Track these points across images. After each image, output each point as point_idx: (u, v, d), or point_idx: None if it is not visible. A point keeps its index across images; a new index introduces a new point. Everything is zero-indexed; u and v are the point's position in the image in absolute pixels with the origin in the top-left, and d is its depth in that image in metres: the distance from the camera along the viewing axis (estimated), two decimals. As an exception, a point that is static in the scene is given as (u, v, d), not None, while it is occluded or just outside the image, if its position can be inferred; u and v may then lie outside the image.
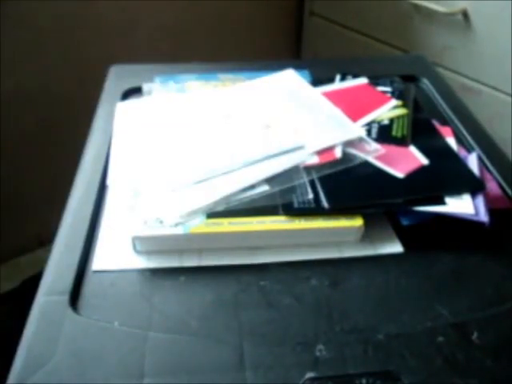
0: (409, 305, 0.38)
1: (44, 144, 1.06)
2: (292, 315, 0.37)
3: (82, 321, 0.36)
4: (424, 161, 0.48)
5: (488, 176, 0.49)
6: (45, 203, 1.01)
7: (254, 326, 0.36)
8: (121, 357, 0.34)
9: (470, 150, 0.53)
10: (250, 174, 0.45)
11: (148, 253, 0.42)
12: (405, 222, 0.44)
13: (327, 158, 0.47)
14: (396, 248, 0.43)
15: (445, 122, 0.57)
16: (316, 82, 0.59)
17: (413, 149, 0.49)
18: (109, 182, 0.46)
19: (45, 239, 1.10)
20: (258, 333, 0.36)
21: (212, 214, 0.42)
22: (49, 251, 0.41)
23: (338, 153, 0.47)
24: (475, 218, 0.42)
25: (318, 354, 0.34)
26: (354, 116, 0.52)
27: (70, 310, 0.37)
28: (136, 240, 0.41)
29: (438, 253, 0.43)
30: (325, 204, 0.42)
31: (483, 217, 0.42)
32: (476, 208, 0.43)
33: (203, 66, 0.66)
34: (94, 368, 0.33)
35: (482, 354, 0.35)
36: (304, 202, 0.43)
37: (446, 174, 0.47)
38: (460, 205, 0.43)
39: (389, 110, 0.55)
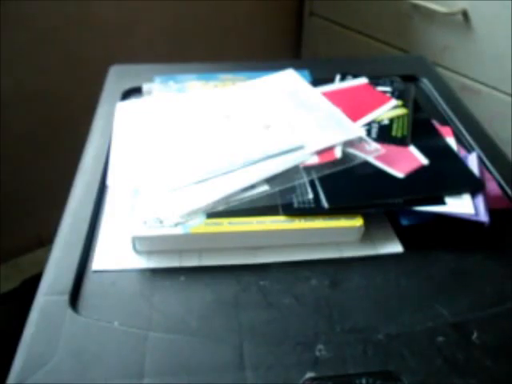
0: (409, 305, 0.38)
1: (44, 144, 1.06)
2: (292, 315, 0.37)
3: (81, 321, 0.36)
4: (424, 161, 0.48)
5: (488, 176, 0.49)
6: (45, 203, 1.01)
7: (254, 326, 0.36)
8: (121, 357, 0.34)
9: (469, 149, 0.53)
10: (250, 174, 0.45)
11: (148, 253, 0.42)
12: (405, 222, 0.44)
13: (327, 158, 0.47)
14: (396, 248, 0.43)
15: (445, 122, 0.57)
16: (316, 82, 0.59)
17: (413, 149, 0.49)
18: (109, 182, 0.46)
19: (45, 239, 1.10)
20: (258, 333, 0.36)
21: (212, 214, 0.42)
22: (49, 251, 0.41)
23: (337, 153, 0.47)
24: (475, 218, 0.42)
25: (318, 353, 0.34)
26: (354, 116, 0.52)
27: (69, 310, 0.37)
28: (136, 240, 0.41)
29: (438, 253, 0.43)
30: (325, 204, 0.42)
31: (483, 217, 0.42)
32: (476, 208, 0.43)
33: (203, 65, 0.66)
34: (94, 368, 0.33)
35: (482, 354, 0.35)
36: (304, 202, 0.43)
37: (445, 174, 0.47)
38: (460, 205, 0.43)
39: (389, 109, 0.55)
